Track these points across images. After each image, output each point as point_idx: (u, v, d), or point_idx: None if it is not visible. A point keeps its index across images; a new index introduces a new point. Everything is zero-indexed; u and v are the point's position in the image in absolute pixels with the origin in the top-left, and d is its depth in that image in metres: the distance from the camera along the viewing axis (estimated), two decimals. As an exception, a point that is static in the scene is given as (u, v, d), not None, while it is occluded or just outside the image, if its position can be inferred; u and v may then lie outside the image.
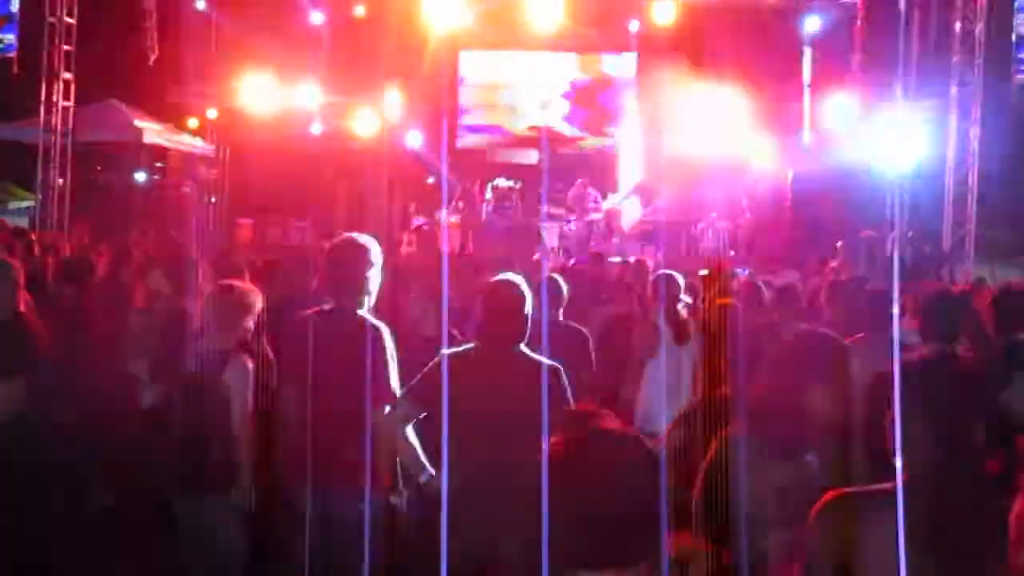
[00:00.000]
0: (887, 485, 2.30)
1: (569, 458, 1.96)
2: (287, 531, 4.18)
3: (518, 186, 18.14)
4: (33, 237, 5.64)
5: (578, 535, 1.90)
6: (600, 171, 18.54)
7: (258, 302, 4.74)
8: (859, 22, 16.76)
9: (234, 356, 4.53)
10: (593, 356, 5.80)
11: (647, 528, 1.90)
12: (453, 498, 3.22)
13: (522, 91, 20.12)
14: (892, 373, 2.39)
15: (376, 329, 4.35)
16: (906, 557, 2.20)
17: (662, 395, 5.60)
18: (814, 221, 15.57)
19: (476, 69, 20.16)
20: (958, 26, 15.32)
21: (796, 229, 15.88)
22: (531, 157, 19.88)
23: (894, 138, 16.85)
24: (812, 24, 16.49)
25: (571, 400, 4.01)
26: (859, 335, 4.89)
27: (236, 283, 4.90)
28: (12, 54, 17.50)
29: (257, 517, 4.32)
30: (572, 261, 13.01)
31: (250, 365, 4.52)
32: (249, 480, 4.36)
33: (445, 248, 16.53)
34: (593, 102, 20.09)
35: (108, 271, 7.03)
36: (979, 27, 15.24)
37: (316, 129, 18.14)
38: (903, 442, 2.30)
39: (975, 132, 15.58)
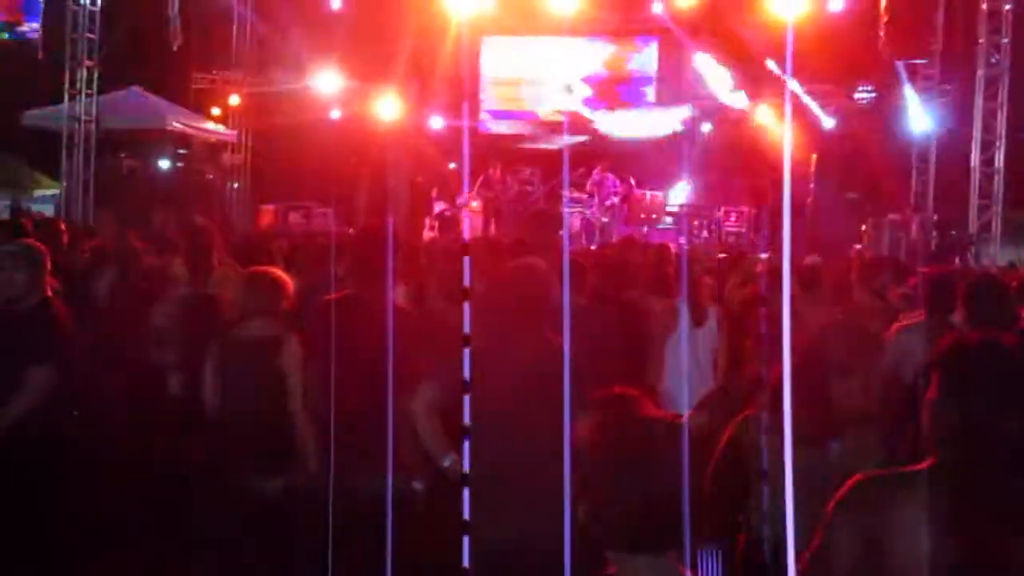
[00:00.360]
0: (919, 466, 2.29)
1: (608, 443, 1.98)
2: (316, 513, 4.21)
3: (531, 173, 18.16)
4: (62, 226, 5.64)
5: (617, 520, 1.92)
6: (620, 157, 18.46)
7: (291, 286, 4.78)
8: (884, 2, 16.60)
9: (285, 339, 4.57)
10: (616, 339, 5.80)
11: (680, 514, 1.92)
12: (478, 483, 3.22)
13: (544, 76, 20.04)
14: (931, 355, 2.40)
15: (403, 313, 4.37)
16: (935, 540, 2.19)
17: (681, 377, 5.60)
18: (838, 204, 15.51)
19: (498, 55, 20.10)
20: (984, 5, 15.16)
21: (819, 212, 15.80)
22: (553, 142, 19.83)
23: (918, 118, 16.76)
24: (836, 3, 16.32)
25: (592, 386, 4.01)
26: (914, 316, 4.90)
27: (270, 268, 4.94)
28: (36, 40, 17.57)
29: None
30: (593, 245, 13.01)
31: (300, 348, 4.56)
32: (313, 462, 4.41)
33: (467, 233, 16.57)
34: (613, 87, 20.00)
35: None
36: (1006, 6, 15.07)
37: (336, 114, 18.15)
38: (943, 425, 2.29)
39: (1002, 112, 15.43)
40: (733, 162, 16.40)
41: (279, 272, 4.94)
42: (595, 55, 19.98)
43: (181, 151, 19.09)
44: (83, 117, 16.34)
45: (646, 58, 19.82)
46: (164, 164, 18.70)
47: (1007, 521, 2.21)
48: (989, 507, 2.22)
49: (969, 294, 4.70)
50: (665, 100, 19.45)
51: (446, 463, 4.04)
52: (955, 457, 2.26)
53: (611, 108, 19.66)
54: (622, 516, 1.94)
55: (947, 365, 2.35)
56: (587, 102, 19.83)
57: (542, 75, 20.06)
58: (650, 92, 19.73)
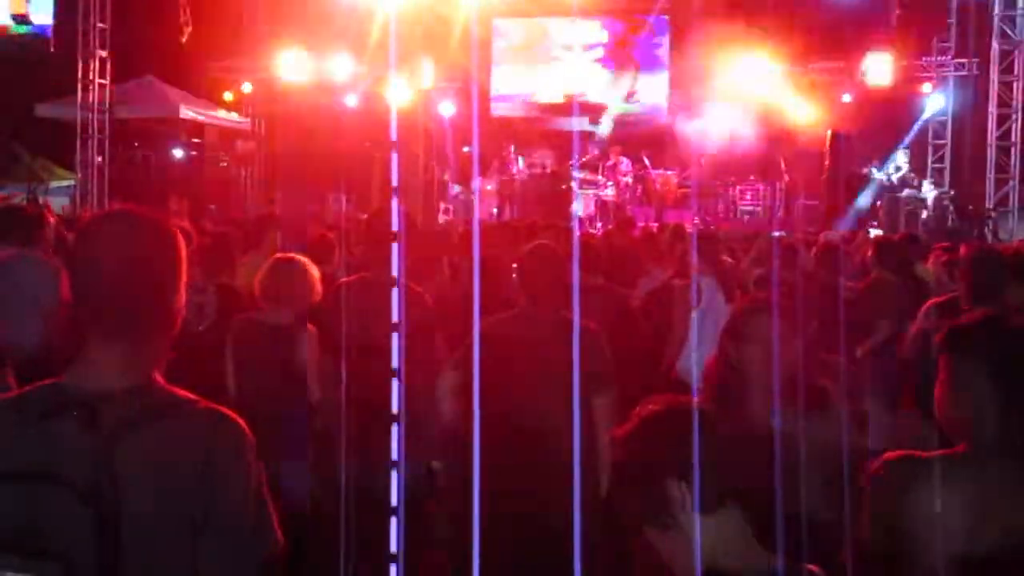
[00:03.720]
0: (952, 451, 2.28)
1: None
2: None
3: (545, 155, 18.17)
4: (51, 219, 5.62)
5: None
6: (634, 139, 18.41)
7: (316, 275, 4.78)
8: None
9: (300, 327, 4.59)
10: (635, 320, 5.81)
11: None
12: (494, 464, 3.22)
13: (556, 58, 19.96)
14: (938, 335, 2.38)
15: (419, 296, 4.38)
16: (968, 526, 2.18)
17: (703, 351, 5.59)
18: (854, 181, 15.41)
19: (509, 36, 20.02)
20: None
21: (835, 189, 15.72)
22: (565, 124, 19.77)
23: (933, 94, 16.65)
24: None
25: (610, 362, 4.02)
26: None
27: (296, 256, 4.93)
28: (48, 29, 17.61)
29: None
30: (601, 226, 12.99)
31: (316, 335, 4.58)
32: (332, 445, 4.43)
33: (478, 215, 16.57)
34: (626, 65, 19.88)
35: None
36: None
37: (351, 101, 18.15)
38: (952, 408, 2.28)
39: (1018, 86, 15.32)
40: (746, 140, 16.33)
41: (305, 260, 4.92)
42: (606, 34, 19.86)
43: (195, 140, 19.12)
44: (96, 107, 16.39)
45: (659, 27, 19.64)
46: (178, 153, 18.74)
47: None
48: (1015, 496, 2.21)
49: (966, 270, 4.65)
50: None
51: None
52: (983, 442, 2.25)
53: (622, 68, 19.47)
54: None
55: (952, 349, 2.34)
56: (602, 61, 19.68)
57: (554, 57, 19.96)
58: (663, 51, 19.53)
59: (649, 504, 1.99)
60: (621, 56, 19.79)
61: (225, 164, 19.59)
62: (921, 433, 2.92)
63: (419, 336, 4.20)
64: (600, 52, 19.84)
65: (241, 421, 1.95)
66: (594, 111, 19.42)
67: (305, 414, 4.55)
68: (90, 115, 16.37)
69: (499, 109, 19.74)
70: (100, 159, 16.45)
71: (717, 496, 1.99)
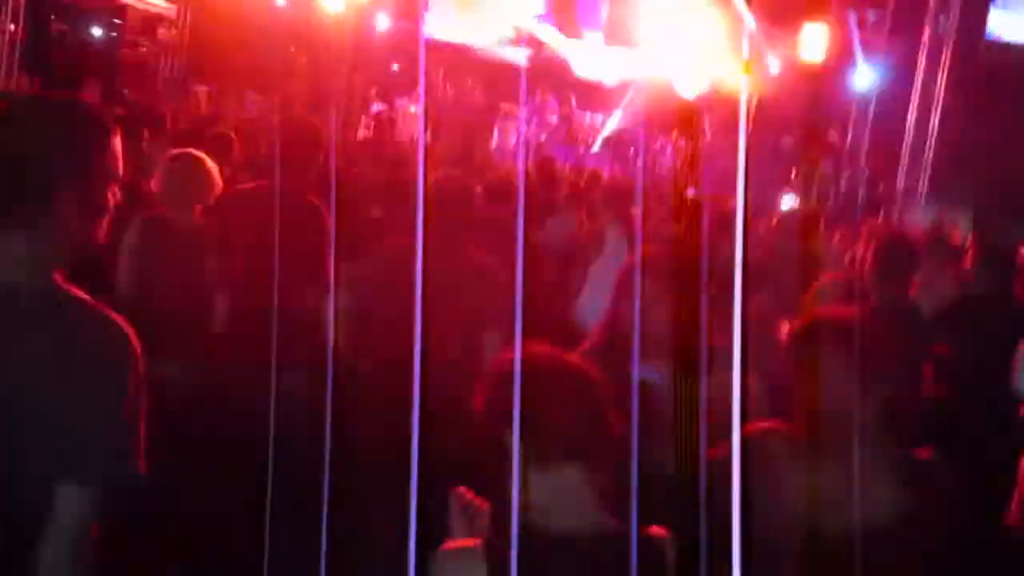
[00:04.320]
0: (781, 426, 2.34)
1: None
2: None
3: (473, 84, 18.00)
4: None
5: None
6: (565, 78, 18.31)
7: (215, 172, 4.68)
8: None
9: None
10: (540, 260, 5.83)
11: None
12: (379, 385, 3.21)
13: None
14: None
15: (316, 210, 4.31)
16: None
17: (599, 300, 5.63)
18: (774, 149, 15.60)
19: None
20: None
21: (754, 154, 15.87)
22: (501, 55, 19.53)
23: (860, 70, 16.86)
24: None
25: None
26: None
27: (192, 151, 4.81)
28: None
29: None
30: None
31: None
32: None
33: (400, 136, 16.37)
34: (569, 6, 19.68)
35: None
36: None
37: (281, 1, 17.66)
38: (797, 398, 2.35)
39: (943, 75, 15.59)
40: (673, 95, 16.35)
41: (200, 154, 4.80)
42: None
43: (116, 21, 18.41)
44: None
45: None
46: (96, 32, 18.03)
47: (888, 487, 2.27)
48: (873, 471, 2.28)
49: (877, 253, 4.72)
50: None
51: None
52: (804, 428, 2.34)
53: (563, 31, 19.36)
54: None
55: (796, 341, 2.41)
56: (544, 18, 19.50)
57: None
58: (604, 11, 19.41)
59: (499, 452, 2.00)
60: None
61: (145, 50, 18.93)
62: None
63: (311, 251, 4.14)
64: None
65: (131, 330, 1.89)
66: (532, 45, 19.25)
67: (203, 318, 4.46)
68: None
69: (435, 30, 19.40)
70: (13, 27, 15.73)
71: (549, 452, 2.00)
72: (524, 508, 1.95)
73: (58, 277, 1.89)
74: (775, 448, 2.32)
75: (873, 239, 4.85)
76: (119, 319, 1.89)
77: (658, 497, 2.06)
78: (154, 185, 4.66)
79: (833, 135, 16.08)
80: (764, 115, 16.17)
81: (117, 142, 1.94)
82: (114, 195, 1.97)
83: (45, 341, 1.81)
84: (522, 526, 1.80)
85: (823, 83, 16.73)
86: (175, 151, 4.84)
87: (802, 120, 16.16)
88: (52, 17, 17.61)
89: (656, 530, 2.07)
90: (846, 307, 2.56)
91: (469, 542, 2.01)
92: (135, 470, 1.89)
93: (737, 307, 1.62)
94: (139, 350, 1.89)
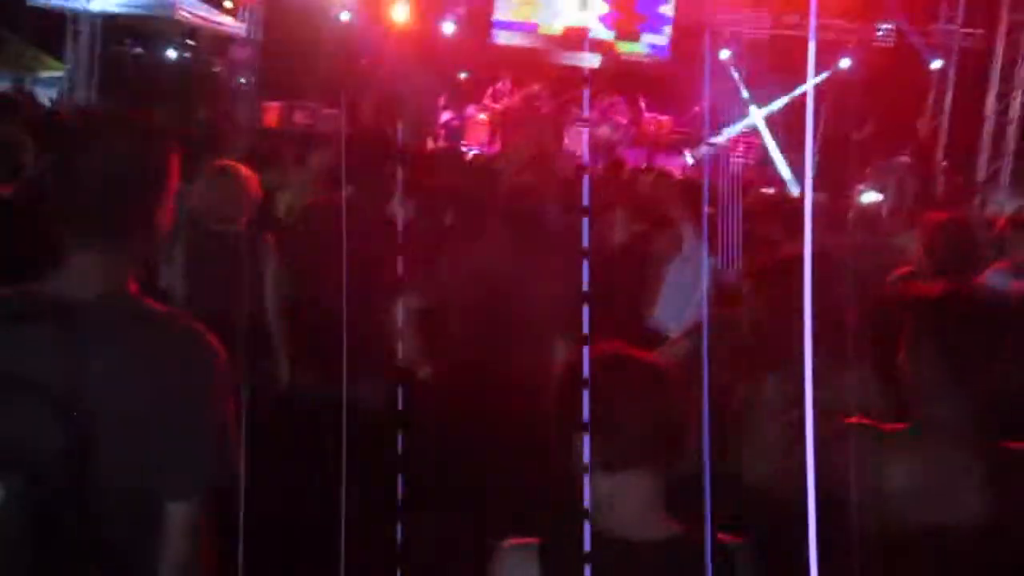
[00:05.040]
0: (899, 425, 2.26)
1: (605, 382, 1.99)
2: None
3: (541, 89, 17.95)
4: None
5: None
6: (633, 79, 18.21)
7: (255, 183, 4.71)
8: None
9: (253, 235, 4.53)
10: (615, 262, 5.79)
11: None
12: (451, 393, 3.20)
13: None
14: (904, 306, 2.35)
15: (388, 222, 4.33)
16: (916, 501, 2.16)
17: (678, 301, 5.56)
18: (845, 142, 15.30)
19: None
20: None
21: (825, 149, 15.64)
22: (569, 59, 19.49)
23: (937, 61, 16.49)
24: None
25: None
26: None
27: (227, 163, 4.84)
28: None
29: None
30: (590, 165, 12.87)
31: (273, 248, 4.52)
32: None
33: (473, 144, 16.42)
34: (630, 4, 19.55)
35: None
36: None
37: (350, 15, 17.85)
38: (919, 384, 2.26)
39: (1022, 62, 15.19)
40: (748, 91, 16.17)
41: (243, 168, 4.84)
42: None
43: (189, 42, 18.79)
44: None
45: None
46: (171, 54, 18.42)
47: (989, 483, 2.18)
48: (969, 467, 2.20)
49: (930, 240, 4.56)
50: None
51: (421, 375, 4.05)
52: (933, 416, 2.23)
53: (630, 33, 19.28)
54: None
55: (914, 320, 2.30)
56: (603, 19, 19.42)
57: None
58: (668, 8, 19.26)
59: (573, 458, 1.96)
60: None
61: (219, 69, 19.27)
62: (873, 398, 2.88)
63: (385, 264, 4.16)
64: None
65: (215, 339, 1.91)
66: (597, 48, 19.18)
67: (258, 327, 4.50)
68: (82, 5, 16.02)
69: (500, 37, 19.44)
70: (90, 53, 16.15)
71: (618, 455, 1.95)
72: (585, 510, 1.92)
73: (134, 289, 1.92)
74: (863, 444, 2.25)
75: (931, 229, 4.71)
76: (201, 328, 1.92)
77: (734, 501, 2.02)
78: (196, 198, 4.69)
79: (910, 126, 15.76)
80: (839, 108, 15.92)
81: (177, 160, 1.97)
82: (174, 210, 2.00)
83: (134, 353, 1.83)
84: (582, 528, 1.78)
85: (897, 74, 16.40)
86: (216, 164, 4.86)
87: (876, 111, 15.85)
88: (128, 41, 18.04)
89: (726, 536, 2.01)
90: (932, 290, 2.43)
91: (530, 540, 1.99)
92: (234, 475, 1.93)
93: (807, 305, 1.58)
94: (224, 357, 1.91)
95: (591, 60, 18.73)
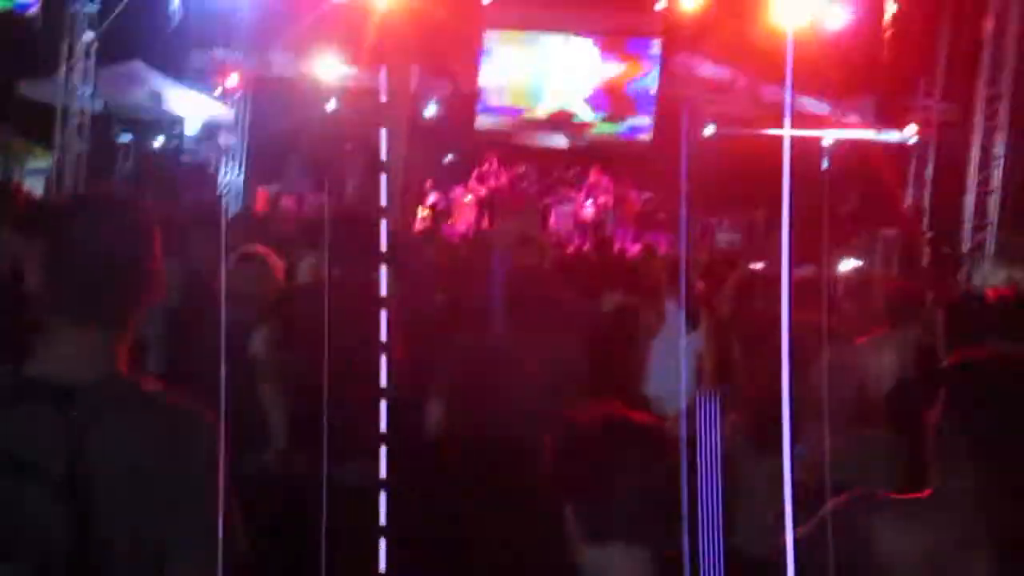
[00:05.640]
0: (919, 494, 2.19)
1: (600, 443, 1.95)
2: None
3: (526, 170, 18.20)
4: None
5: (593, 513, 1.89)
6: (617, 158, 18.43)
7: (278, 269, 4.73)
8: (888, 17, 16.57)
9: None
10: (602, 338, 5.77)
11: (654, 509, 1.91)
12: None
13: (547, 74, 19.90)
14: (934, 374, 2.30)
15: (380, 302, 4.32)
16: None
17: (663, 380, 5.55)
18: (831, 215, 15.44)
19: (500, 49, 19.95)
20: (990, 24, 15.13)
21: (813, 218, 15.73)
22: (552, 140, 19.74)
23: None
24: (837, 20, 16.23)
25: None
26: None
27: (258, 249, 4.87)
28: (35, 10, 17.42)
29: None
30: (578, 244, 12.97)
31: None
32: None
33: (461, 226, 16.51)
34: (619, 88, 19.84)
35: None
36: (1012, 25, 15.02)
37: (335, 102, 18.06)
38: (941, 450, 2.19)
39: (1001, 133, 15.40)
40: (731, 167, 16.35)
41: (267, 253, 4.86)
42: (601, 70, 19.76)
43: (177, 131, 18.94)
44: (79, 90, 16.20)
45: (650, 80, 19.60)
46: (159, 142, 18.56)
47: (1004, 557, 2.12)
48: (998, 540, 2.13)
49: (949, 312, 4.62)
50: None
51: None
52: (964, 483, 2.15)
53: (615, 115, 19.55)
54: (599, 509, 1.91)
55: (956, 384, 2.21)
56: (588, 100, 19.70)
57: (546, 73, 19.90)
58: (653, 88, 19.56)
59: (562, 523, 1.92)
60: (615, 77, 19.75)
61: (207, 155, 19.40)
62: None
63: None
64: (594, 71, 19.74)
65: (209, 416, 1.90)
66: (578, 129, 19.44)
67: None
68: (72, 97, 16.18)
69: (484, 122, 19.68)
70: (80, 142, 16.26)
71: (603, 526, 1.89)
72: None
73: (125, 368, 1.92)
74: (865, 517, 2.20)
75: (942, 302, 4.75)
76: (194, 405, 1.91)
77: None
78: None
79: (895, 198, 15.92)
80: (824, 182, 16.09)
81: (160, 239, 1.98)
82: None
83: (129, 434, 1.82)
84: None
85: (879, 148, 16.64)
86: (243, 250, 4.87)
87: (861, 185, 16.03)
88: (118, 129, 18.17)
89: None
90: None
91: None
92: (238, 551, 1.91)
93: (785, 375, 1.56)
94: (216, 433, 1.90)
95: (567, 141, 19.01)
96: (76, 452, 1.76)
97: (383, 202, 2.38)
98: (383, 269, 2.58)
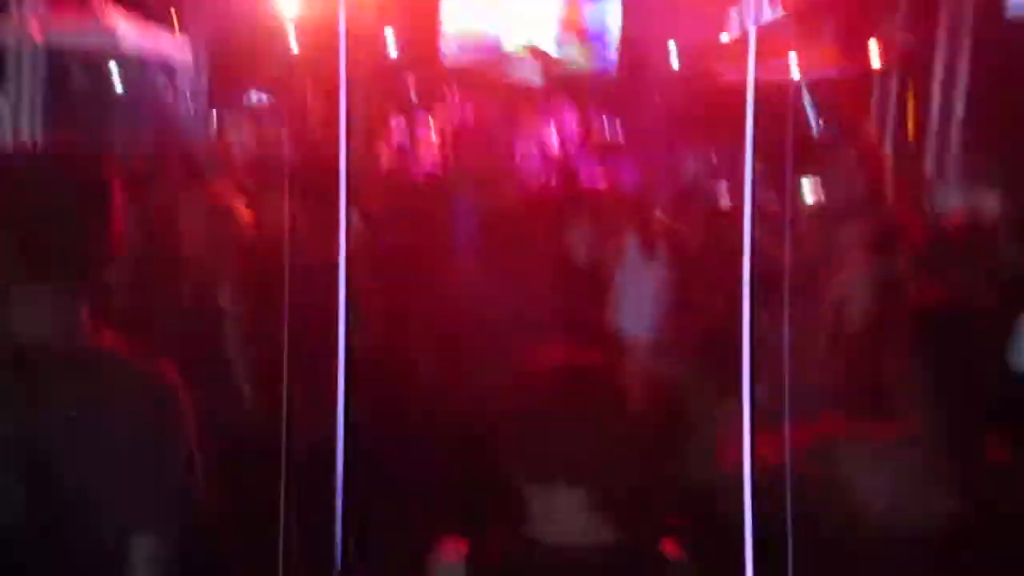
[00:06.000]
0: (886, 431, 2.24)
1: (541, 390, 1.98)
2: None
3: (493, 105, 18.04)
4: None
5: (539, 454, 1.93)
6: (584, 93, 18.35)
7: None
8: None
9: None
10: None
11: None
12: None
13: (513, 6, 19.66)
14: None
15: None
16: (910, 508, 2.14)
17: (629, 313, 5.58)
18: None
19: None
20: None
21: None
22: (518, 74, 19.57)
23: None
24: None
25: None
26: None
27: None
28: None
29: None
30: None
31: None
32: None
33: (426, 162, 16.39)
34: (578, 21, 19.66)
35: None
36: None
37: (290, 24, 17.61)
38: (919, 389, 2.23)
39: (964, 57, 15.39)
40: (697, 98, 16.27)
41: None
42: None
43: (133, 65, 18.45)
44: (30, 30, 15.82)
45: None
46: (115, 78, 18.11)
47: (983, 489, 2.16)
48: (967, 476, 2.18)
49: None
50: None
51: None
52: (931, 422, 2.21)
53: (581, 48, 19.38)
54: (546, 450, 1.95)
55: (926, 325, 2.28)
56: (557, 32, 19.50)
57: (510, 4, 19.65)
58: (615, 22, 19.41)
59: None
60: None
61: (163, 85, 18.97)
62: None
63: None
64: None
65: (172, 375, 1.90)
66: (545, 61, 19.29)
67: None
68: (22, 38, 15.78)
69: (450, 53, 19.44)
70: (32, 84, 15.90)
71: (554, 473, 1.94)
72: (520, 520, 1.92)
73: (87, 328, 1.90)
74: (838, 454, 2.23)
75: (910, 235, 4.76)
76: (160, 363, 1.90)
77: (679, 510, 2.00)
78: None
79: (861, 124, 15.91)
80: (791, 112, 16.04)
81: (122, 190, 1.96)
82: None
83: (81, 399, 1.81)
84: (517, 537, 1.76)
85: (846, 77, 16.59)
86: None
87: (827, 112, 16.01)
88: (73, 69, 17.76)
89: (671, 548, 2.01)
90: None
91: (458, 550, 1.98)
92: (195, 514, 1.92)
93: (746, 309, 1.57)
94: (178, 393, 1.90)
95: (533, 71, 18.83)
96: (36, 414, 1.76)
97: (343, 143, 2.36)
98: (344, 213, 2.56)
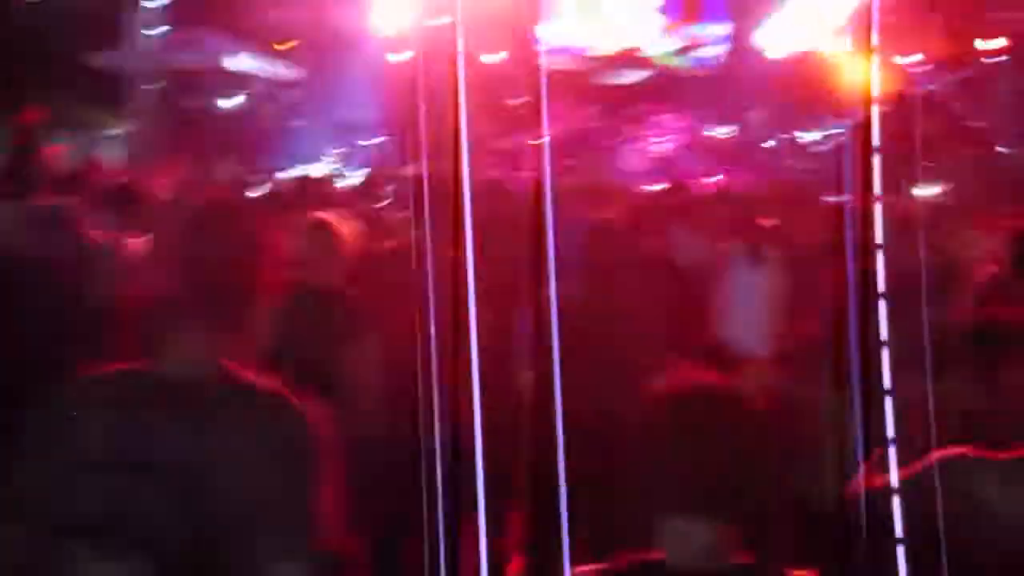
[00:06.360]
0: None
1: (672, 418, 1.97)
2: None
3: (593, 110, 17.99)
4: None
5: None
6: (687, 92, 18.12)
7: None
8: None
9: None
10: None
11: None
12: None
13: (611, 10, 19.53)
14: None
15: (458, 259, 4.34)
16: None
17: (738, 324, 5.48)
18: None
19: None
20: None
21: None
22: (615, 78, 19.43)
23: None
24: None
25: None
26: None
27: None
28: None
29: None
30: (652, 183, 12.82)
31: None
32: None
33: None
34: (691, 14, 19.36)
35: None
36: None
37: (403, 54, 17.92)
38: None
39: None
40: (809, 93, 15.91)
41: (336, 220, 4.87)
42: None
43: (241, 91, 18.96)
44: (149, 56, 16.37)
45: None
46: (224, 104, 18.61)
47: None
48: None
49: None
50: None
51: None
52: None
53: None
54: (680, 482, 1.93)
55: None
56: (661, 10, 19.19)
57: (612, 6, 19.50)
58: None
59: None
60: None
61: (271, 115, 19.44)
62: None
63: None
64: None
65: (304, 405, 1.96)
66: (644, 64, 19.11)
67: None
68: (141, 64, 16.36)
69: (551, 61, 19.38)
70: (151, 110, 16.47)
71: (684, 499, 1.91)
72: (649, 543, 1.90)
73: (230, 363, 1.97)
74: (964, 476, 2.17)
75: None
76: (291, 398, 1.96)
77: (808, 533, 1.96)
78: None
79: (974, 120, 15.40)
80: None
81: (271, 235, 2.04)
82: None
83: (236, 430, 1.88)
84: (646, 562, 1.76)
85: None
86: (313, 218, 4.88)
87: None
88: (182, 95, 18.30)
89: (801, 573, 1.97)
90: None
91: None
92: (337, 547, 1.97)
93: (852, 323, 1.53)
94: (321, 425, 1.96)
95: (635, 77, 18.62)
96: (191, 450, 1.84)
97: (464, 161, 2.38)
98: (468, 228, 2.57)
